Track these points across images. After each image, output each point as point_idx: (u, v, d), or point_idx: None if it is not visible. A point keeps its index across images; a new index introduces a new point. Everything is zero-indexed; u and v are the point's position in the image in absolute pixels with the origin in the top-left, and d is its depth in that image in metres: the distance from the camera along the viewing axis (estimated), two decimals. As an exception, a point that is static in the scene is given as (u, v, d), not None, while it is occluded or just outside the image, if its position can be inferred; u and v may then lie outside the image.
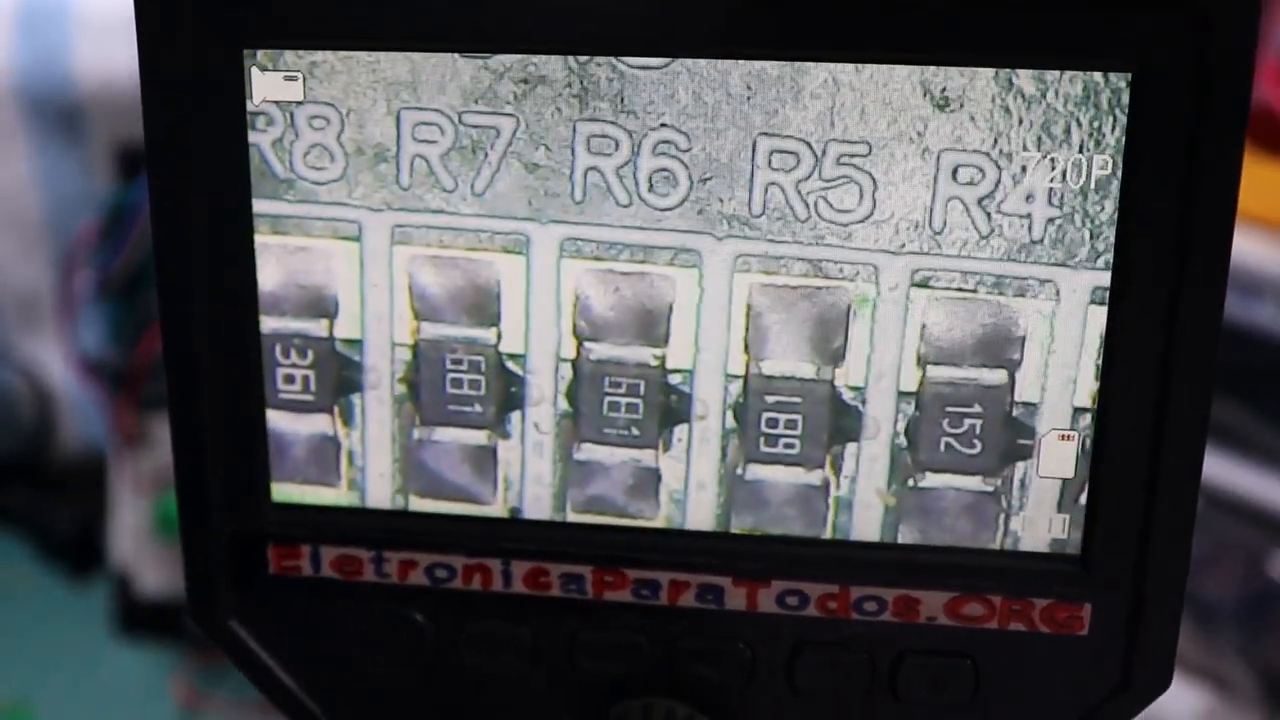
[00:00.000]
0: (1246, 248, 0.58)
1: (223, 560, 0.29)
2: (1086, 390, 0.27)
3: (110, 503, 0.56)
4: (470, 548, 0.29)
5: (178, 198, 0.27)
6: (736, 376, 0.27)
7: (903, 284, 0.27)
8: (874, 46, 0.25)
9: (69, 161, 0.57)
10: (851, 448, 0.28)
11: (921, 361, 0.27)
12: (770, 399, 0.28)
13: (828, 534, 0.28)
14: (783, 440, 0.28)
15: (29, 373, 0.59)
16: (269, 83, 0.27)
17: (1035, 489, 0.27)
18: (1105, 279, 0.26)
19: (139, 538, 0.55)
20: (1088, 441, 0.27)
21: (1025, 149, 0.26)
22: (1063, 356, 0.27)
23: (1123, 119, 0.25)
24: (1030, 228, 0.26)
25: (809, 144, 0.26)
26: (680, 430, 0.28)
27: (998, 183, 0.26)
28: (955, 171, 0.26)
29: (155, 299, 0.28)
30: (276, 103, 0.27)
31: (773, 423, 0.28)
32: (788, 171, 0.26)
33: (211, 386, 0.28)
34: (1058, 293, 0.26)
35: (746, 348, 0.27)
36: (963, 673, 0.28)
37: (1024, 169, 0.26)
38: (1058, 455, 0.27)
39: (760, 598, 0.28)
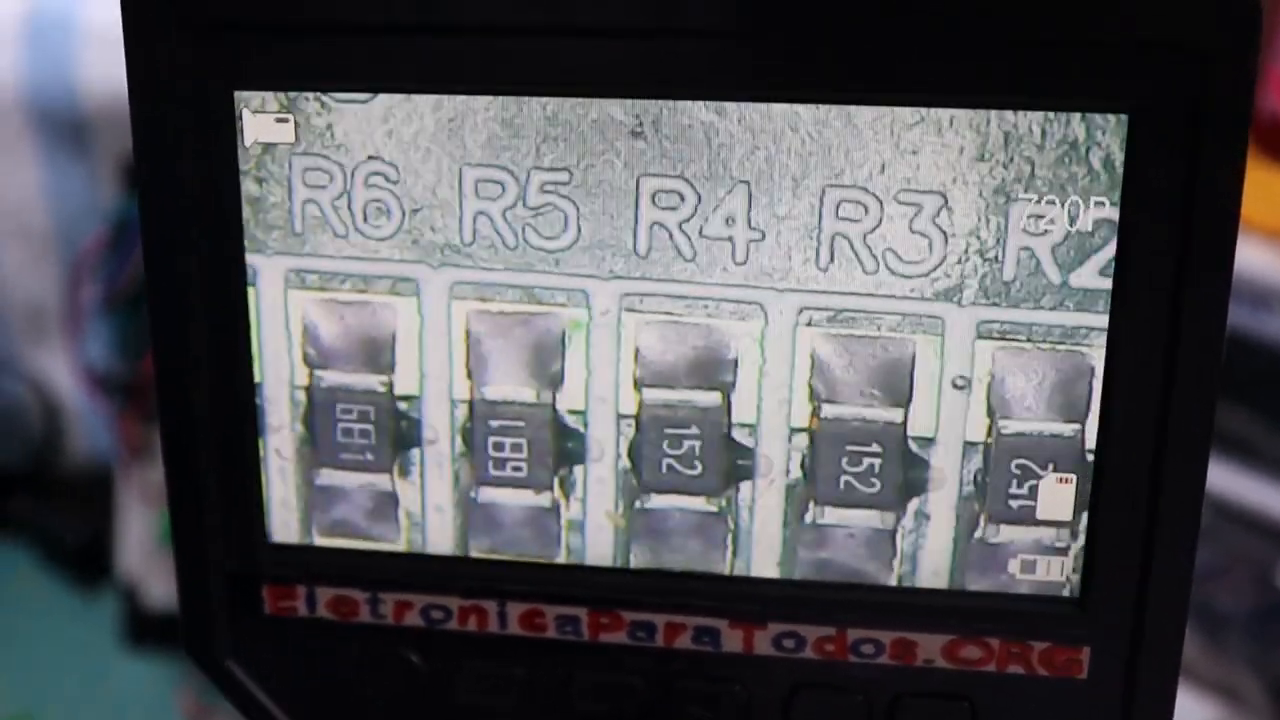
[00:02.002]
0: (1256, 258, 0.58)
1: (219, 599, 0.29)
2: (802, 412, 0.27)
3: (117, 514, 0.56)
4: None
5: (170, 240, 0.27)
6: (462, 401, 0.28)
7: (614, 309, 0.27)
8: (868, 86, 0.25)
9: (76, 174, 0.57)
10: (579, 470, 0.28)
11: (638, 384, 0.27)
12: (495, 423, 0.28)
13: (561, 556, 0.29)
14: (510, 463, 0.28)
15: (36, 384, 0.59)
16: (260, 124, 0.27)
17: (761, 508, 0.28)
18: (810, 300, 0.26)
19: (146, 549, 0.55)
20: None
21: (716, 174, 0.26)
22: (776, 378, 0.27)
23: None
24: (733, 251, 0.26)
25: (512, 173, 0.26)
26: (414, 454, 0.28)
27: (696, 207, 0.26)
28: (655, 196, 0.26)
29: (148, 312, 0.29)
30: (266, 144, 0.27)
31: (499, 446, 0.28)
32: (494, 200, 0.27)
33: (206, 427, 0.28)
34: (765, 315, 0.27)
35: (469, 373, 0.28)
36: (960, 715, 0.28)
37: (725, 194, 0.26)
38: (1056, 498, 0.27)
39: (757, 640, 0.28)
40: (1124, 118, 0.25)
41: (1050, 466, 0.27)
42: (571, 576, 0.28)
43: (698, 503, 0.28)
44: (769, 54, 0.25)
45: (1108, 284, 0.26)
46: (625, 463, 0.28)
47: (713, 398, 0.27)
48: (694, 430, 0.27)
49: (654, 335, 0.27)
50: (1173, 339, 0.25)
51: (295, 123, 0.27)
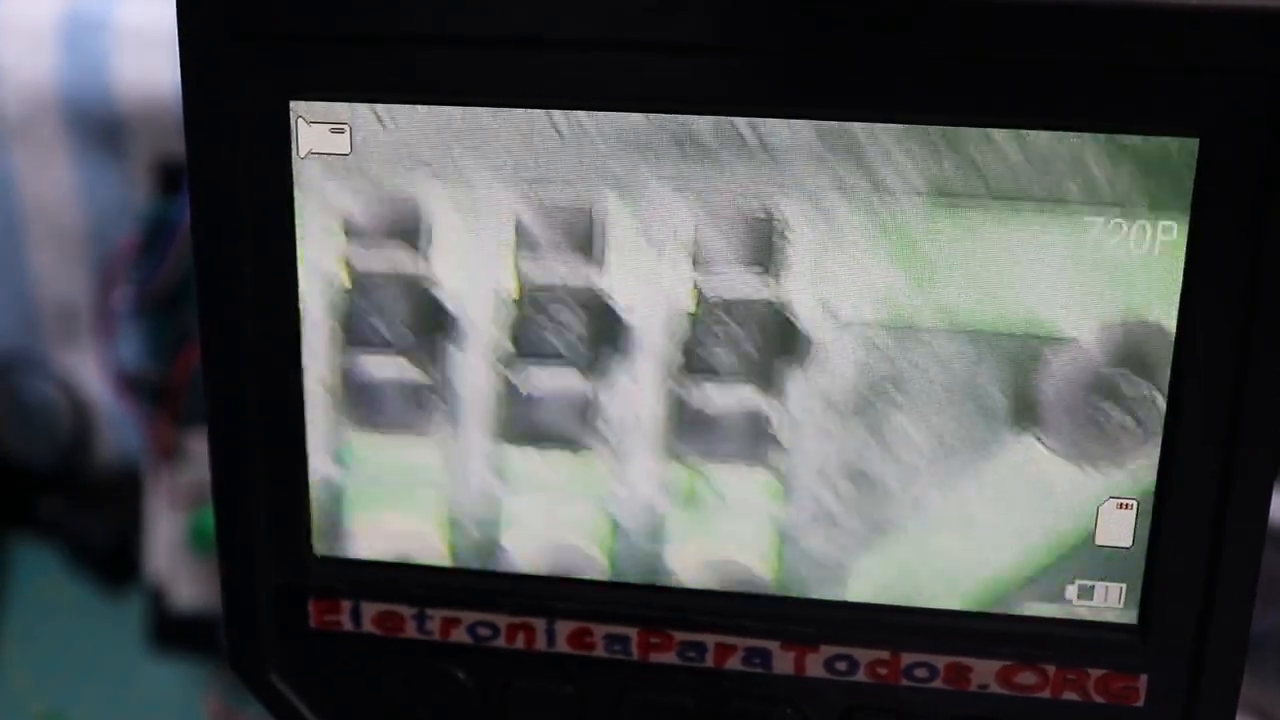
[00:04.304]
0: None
1: (265, 613, 0.29)
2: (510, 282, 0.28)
3: (146, 516, 0.56)
4: None
5: (220, 251, 0.27)
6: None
7: None
8: (947, 109, 0.25)
9: (110, 175, 0.57)
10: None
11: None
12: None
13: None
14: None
15: (66, 384, 0.59)
16: (315, 135, 0.26)
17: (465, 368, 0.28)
18: None
19: (174, 551, 0.55)
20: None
21: None
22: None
23: None
24: None
25: None
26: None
27: None
28: None
29: (197, 325, 0.29)
30: (321, 154, 0.27)
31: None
32: None
33: (254, 441, 0.28)
34: None
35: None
36: None
37: None
38: (1116, 524, 0.26)
39: (809, 662, 0.28)
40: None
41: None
42: (620, 595, 0.28)
43: (401, 363, 0.28)
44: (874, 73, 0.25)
45: None
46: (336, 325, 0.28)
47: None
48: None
49: None
50: (1241, 362, 0.25)
51: (351, 133, 0.26)
